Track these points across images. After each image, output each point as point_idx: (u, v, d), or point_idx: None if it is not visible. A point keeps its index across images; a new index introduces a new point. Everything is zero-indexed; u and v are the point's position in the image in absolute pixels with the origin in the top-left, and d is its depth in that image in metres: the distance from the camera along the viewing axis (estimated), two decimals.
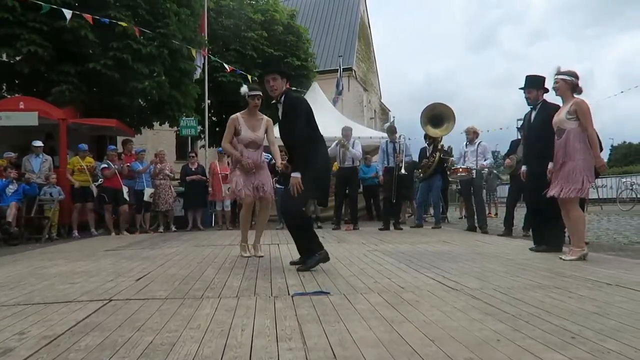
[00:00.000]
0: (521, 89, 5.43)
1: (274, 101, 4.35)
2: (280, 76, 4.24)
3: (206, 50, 13.02)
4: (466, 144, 8.50)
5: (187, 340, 2.12)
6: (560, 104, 4.72)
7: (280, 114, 4.30)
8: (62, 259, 5.30)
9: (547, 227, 5.19)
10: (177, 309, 2.72)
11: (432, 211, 10.58)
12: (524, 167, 5.72)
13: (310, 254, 4.08)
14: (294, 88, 17.17)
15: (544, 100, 5.34)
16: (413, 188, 10.38)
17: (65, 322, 2.49)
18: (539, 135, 5.16)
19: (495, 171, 15.14)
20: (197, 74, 12.47)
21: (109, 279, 3.79)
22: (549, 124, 4.81)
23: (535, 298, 2.83)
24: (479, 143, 8.34)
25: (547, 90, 5.34)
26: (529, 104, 5.42)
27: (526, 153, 5.70)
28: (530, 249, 5.19)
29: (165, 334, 2.23)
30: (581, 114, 4.35)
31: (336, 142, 9.03)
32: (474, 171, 8.17)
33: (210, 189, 10.23)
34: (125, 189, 9.09)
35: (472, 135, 8.42)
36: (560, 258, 4.45)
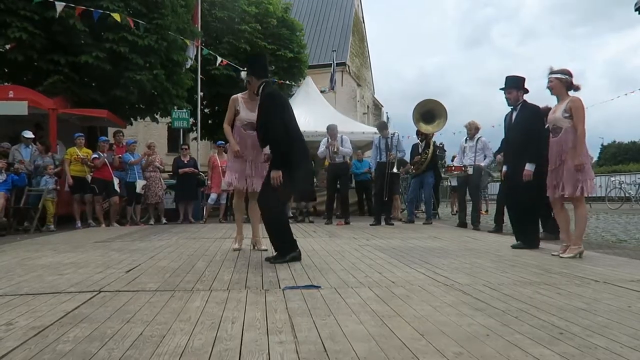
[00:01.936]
0: (501, 89, 5.46)
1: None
2: (252, 76, 4.46)
3: (199, 41, 12.91)
4: (466, 139, 8.44)
5: (177, 333, 2.11)
6: (541, 105, 4.76)
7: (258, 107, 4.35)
8: (50, 250, 5.25)
9: (525, 225, 5.24)
10: (167, 301, 2.71)
11: (423, 207, 10.62)
12: (504, 167, 5.76)
13: (283, 252, 4.12)
14: (287, 82, 17.10)
15: (524, 101, 5.37)
16: (398, 183, 10.39)
17: (54, 313, 2.47)
18: (520, 135, 5.19)
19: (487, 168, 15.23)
20: (189, 64, 12.37)
21: (98, 271, 3.76)
22: (529, 124, 4.83)
23: (525, 294, 2.86)
24: (478, 138, 8.26)
25: (527, 91, 5.37)
26: (509, 105, 5.43)
27: (507, 153, 5.71)
28: (512, 246, 5.25)
29: (155, 326, 2.22)
30: (575, 111, 4.36)
31: (324, 143, 8.99)
32: (470, 168, 8.16)
33: (209, 181, 10.18)
34: (115, 181, 9.02)
35: (473, 131, 8.34)
36: (559, 256, 4.47)
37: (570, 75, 4.52)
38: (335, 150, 8.83)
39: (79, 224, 8.81)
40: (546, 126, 4.81)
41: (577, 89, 4.52)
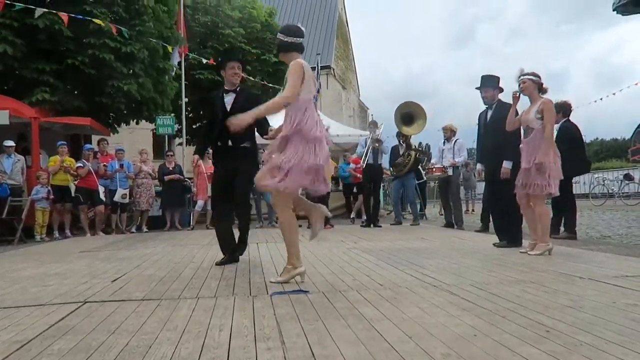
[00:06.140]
0: (477, 88, 5.52)
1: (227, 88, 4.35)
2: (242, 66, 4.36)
3: (186, 48, 12.87)
4: (444, 142, 8.66)
5: (164, 342, 2.09)
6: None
7: (231, 102, 4.30)
8: (34, 261, 5.17)
9: (506, 223, 5.29)
10: (154, 311, 2.67)
11: (410, 208, 10.68)
12: (479, 165, 5.81)
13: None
14: (270, 85, 17.21)
15: (499, 100, 5.44)
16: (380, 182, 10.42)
17: (37, 325, 2.43)
18: (495, 134, 5.24)
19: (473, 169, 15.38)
20: (174, 72, 12.31)
21: (84, 281, 3.71)
22: (504, 123, 4.92)
23: (511, 293, 2.88)
24: (455, 140, 8.51)
25: (501, 90, 5.45)
26: (485, 104, 5.51)
27: (481, 152, 5.76)
28: (494, 245, 5.28)
29: (141, 336, 2.19)
30: (546, 112, 4.51)
31: (368, 139, 9.00)
32: (449, 169, 8.30)
33: (194, 188, 10.12)
34: (101, 189, 8.92)
35: (449, 133, 8.61)
36: (527, 253, 4.55)
37: (540, 77, 4.66)
38: (378, 138, 8.89)
39: (57, 235, 8.65)
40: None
41: (545, 91, 4.67)
